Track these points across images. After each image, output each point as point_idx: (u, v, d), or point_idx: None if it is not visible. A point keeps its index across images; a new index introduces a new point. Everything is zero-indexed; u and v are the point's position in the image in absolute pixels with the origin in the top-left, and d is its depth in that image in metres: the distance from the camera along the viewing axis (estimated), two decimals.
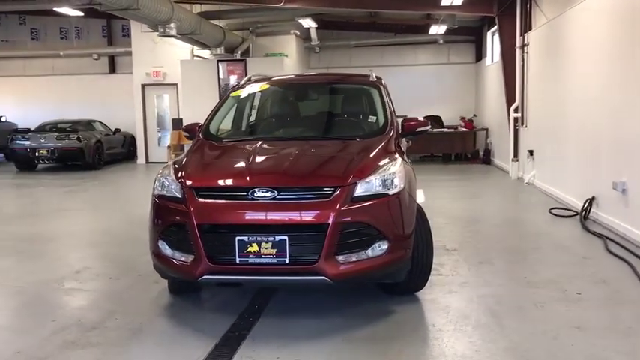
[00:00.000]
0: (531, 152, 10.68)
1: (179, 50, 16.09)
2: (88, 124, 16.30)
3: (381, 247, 3.92)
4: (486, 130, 15.88)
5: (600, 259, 5.58)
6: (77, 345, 3.74)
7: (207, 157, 4.45)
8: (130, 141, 17.67)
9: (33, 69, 19.65)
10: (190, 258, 3.90)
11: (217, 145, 4.77)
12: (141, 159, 17.29)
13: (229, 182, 3.99)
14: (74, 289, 4.97)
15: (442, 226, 7.23)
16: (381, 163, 4.15)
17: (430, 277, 4.66)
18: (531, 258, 5.71)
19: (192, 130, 5.12)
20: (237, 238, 3.78)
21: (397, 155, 4.44)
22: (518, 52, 11.32)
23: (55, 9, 13.72)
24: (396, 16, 17.15)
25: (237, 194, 3.90)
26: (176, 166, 4.30)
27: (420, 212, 4.42)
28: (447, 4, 11.57)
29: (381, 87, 5.43)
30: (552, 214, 7.74)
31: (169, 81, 16.77)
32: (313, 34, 16.65)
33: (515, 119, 11.65)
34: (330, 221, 3.73)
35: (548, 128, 9.70)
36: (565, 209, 7.87)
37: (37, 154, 14.86)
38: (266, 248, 3.77)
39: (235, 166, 4.24)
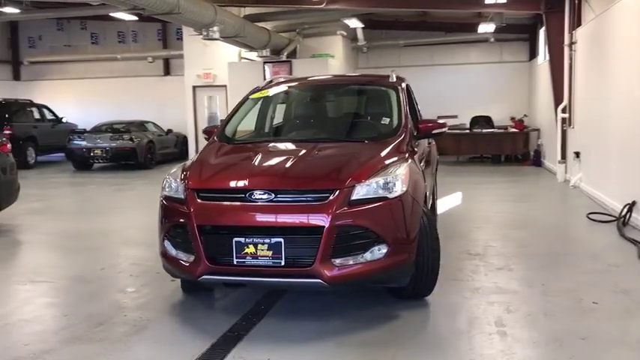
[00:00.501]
0: (577, 154, 10.28)
1: (229, 52, 16.38)
2: (141, 125, 16.82)
3: (380, 251, 3.88)
4: (537, 130, 15.40)
5: (629, 267, 5.33)
6: (82, 340, 3.89)
7: (213, 159, 4.52)
8: (182, 141, 18.11)
9: (93, 72, 20.47)
10: (191, 258, 3.99)
11: (227, 147, 4.84)
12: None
13: (228, 184, 4.05)
14: (94, 285, 5.15)
15: (472, 230, 7.10)
16: (384, 166, 4.11)
17: (445, 282, 4.62)
18: (556, 265, 5.50)
19: (210, 133, 5.24)
20: (234, 239, 3.83)
21: (406, 158, 4.38)
22: (566, 50, 10.93)
23: (110, 14, 14.30)
24: (445, 15, 16.89)
25: (235, 196, 3.95)
26: (184, 167, 4.40)
27: (427, 216, 4.34)
28: (492, 2, 11.31)
29: (400, 88, 5.36)
30: (590, 219, 7.43)
31: (219, 83, 17.08)
32: (360, 34, 16.61)
33: (563, 119, 11.25)
34: (326, 224, 3.73)
35: (593, 129, 9.32)
36: (604, 214, 7.53)
37: (92, 153, 15.47)
38: (262, 250, 3.80)
39: (237, 167, 4.30)
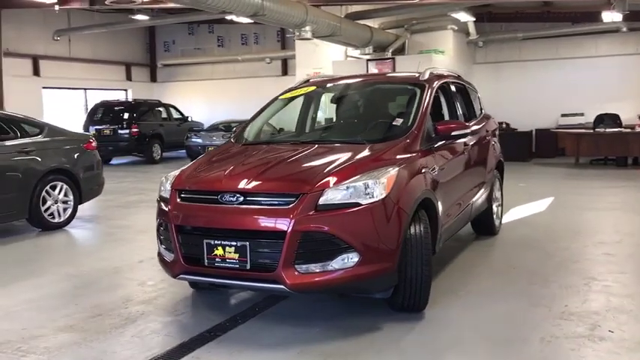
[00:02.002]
0: None
1: (337, 52, 16.45)
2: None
3: (351, 260, 3.70)
4: None
5: None
6: (72, 329, 4.13)
7: (208, 159, 4.57)
8: None
9: (218, 73, 21.67)
10: (172, 257, 4.08)
11: (233, 148, 4.87)
12: None
13: (204, 185, 4.07)
14: (122, 276, 5.45)
15: (525, 240, 6.49)
16: (366, 170, 3.89)
17: (452, 295, 4.43)
18: (591, 285, 4.82)
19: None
20: (205, 240, 3.86)
21: (401, 161, 4.11)
22: None
23: (226, 17, 14.99)
24: (572, 4, 15.61)
25: (209, 197, 3.96)
26: (182, 167, 4.51)
27: (420, 224, 4.04)
28: None
29: (427, 87, 5.04)
30: None
31: None
32: (471, 28, 15.87)
33: None
34: (288, 229, 3.62)
35: None
36: None
37: (206, 150, 16.38)
38: (230, 252, 3.79)
39: (217, 169, 4.29)
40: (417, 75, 5.35)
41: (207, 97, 21.69)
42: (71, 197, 7.78)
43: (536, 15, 16.61)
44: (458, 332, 3.90)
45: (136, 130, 17.20)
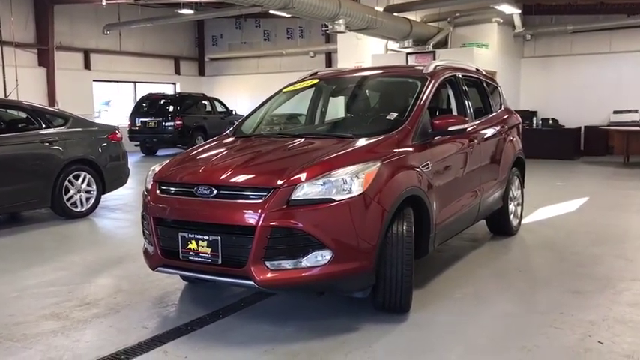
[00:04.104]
0: None
1: (379, 46, 16.23)
2: (293, 117, 17.47)
3: (323, 257, 3.59)
4: None
5: None
6: (56, 316, 4.19)
7: (196, 152, 4.53)
8: None
9: (264, 67, 21.81)
10: (152, 249, 4.08)
11: (225, 141, 4.82)
12: None
13: (181, 178, 4.03)
14: (122, 267, 5.52)
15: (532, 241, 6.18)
16: (343, 165, 3.76)
17: (446, 298, 4.33)
18: (597, 292, 4.52)
19: None
20: (180, 234, 3.83)
21: (385, 157, 3.96)
22: None
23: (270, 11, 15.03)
24: None
25: (186, 190, 3.92)
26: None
27: (403, 222, 3.88)
28: None
29: (428, 80, 4.85)
30: None
31: None
32: (517, 20, 15.34)
33: None
34: (257, 224, 3.55)
35: None
36: None
37: None
38: (202, 247, 3.75)
39: (197, 162, 4.24)
40: (421, 68, 5.16)
41: (252, 91, 21.80)
42: (94, 187, 7.96)
43: (589, 7, 15.88)
44: (436, 337, 3.73)
45: (179, 122, 17.50)
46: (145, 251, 4.25)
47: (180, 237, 3.82)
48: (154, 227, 3.98)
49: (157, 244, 3.97)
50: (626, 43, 15.98)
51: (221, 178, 3.80)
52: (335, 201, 3.60)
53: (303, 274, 3.59)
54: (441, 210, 4.53)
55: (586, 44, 16.44)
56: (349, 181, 3.66)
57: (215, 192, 3.76)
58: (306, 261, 3.58)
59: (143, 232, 4.29)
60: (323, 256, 3.58)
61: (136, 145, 18.22)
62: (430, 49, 14.87)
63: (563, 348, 3.48)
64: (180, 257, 3.84)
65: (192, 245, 3.77)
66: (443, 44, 15.40)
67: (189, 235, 3.78)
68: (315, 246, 3.57)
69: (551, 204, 8.29)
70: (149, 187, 4.19)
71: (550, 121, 15.84)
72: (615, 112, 15.87)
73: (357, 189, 3.66)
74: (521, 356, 3.40)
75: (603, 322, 3.85)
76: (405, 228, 3.88)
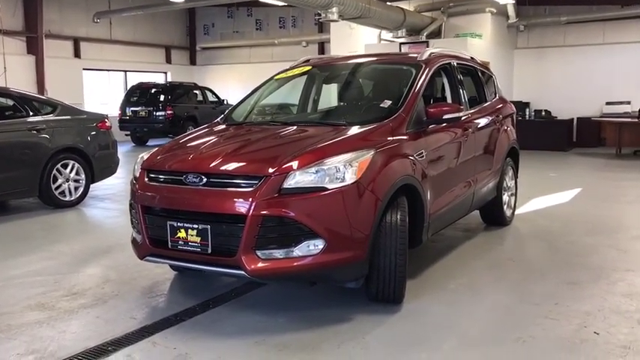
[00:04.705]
0: None
1: (372, 35, 16.11)
2: (286, 107, 17.35)
3: (315, 247, 3.51)
4: None
5: None
6: (42, 307, 4.09)
7: (186, 139, 4.43)
8: None
9: (256, 57, 21.63)
10: (140, 238, 3.99)
11: (216, 128, 4.73)
12: None
13: (170, 165, 3.93)
14: (110, 257, 5.41)
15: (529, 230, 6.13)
16: (336, 153, 3.68)
17: (440, 289, 4.28)
18: (592, 282, 4.48)
19: None
20: (168, 222, 3.74)
21: (379, 145, 3.88)
22: None
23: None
24: None
25: (174, 178, 3.83)
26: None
27: (397, 211, 3.81)
28: None
29: (423, 68, 4.76)
30: None
31: None
32: (510, 10, 15.26)
33: None
34: (248, 213, 3.46)
35: None
36: None
37: None
38: (192, 236, 3.66)
39: (187, 149, 4.15)
40: (415, 55, 5.07)
41: (244, 81, 21.58)
42: (83, 176, 7.84)
43: None
44: (430, 329, 3.67)
45: (170, 112, 17.36)
46: (133, 240, 4.16)
47: (168, 226, 3.73)
48: (142, 216, 3.89)
49: (145, 233, 3.88)
50: (619, 34, 15.95)
51: (211, 165, 3.71)
52: (328, 189, 3.52)
53: (295, 264, 3.51)
54: (435, 199, 4.46)
55: (579, 35, 16.40)
56: (342, 170, 3.58)
57: (205, 180, 3.67)
58: (298, 250, 3.50)
59: (131, 220, 4.20)
60: (315, 246, 3.51)
61: (126, 135, 18.05)
62: (423, 39, 14.78)
63: (559, 339, 3.43)
64: (169, 247, 3.76)
65: (182, 234, 3.68)
66: (436, 34, 15.30)
67: (178, 224, 3.69)
68: (308, 235, 3.49)
69: (545, 195, 8.25)
70: (137, 174, 4.09)
71: (543, 113, 15.82)
72: (608, 103, 15.86)
73: (350, 177, 3.58)
74: (516, 348, 3.35)
75: (599, 313, 3.80)
76: (398, 217, 3.81)
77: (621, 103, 15.75)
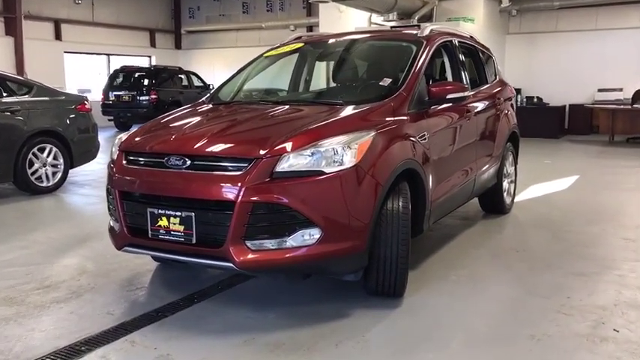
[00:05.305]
0: None
1: (362, 19, 15.73)
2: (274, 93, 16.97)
3: (311, 237, 3.20)
4: None
5: None
6: (11, 301, 3.75)
7: (167, 119, 4.08)
8: None
9: (243, 41, 21.13)
10: (118, 227, 3.65)
11: (201, 108, 4.38)
12: None
13: (150, 146, 3.57)
14: (89, 246, 5.07)
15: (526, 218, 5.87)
16: (335, 134, 3.35)
17: (441, 280, 4.02)
18: (602, 274, 4.21)
19: None
20: (148, 209, 3.40)
21: (381, 125, 3.56)
22: None
23: None
24: None
25: (155, 160, 3.48)
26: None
27: (399, 198, 3.51)
28: None
29: (424, 44, 4.44)
30: None
31: None
32: None
33: None
34: (237, 199, 3.13)
35: None
36: None
37: None
38: (174, 224, 3.32)
39: (172, 129, 3.79)
40: (415, 32, 4.75)
41: (231, 65, 21.05)
42: (61, 161, 7.46)
43: None
44: (434, 325, 3.38)
45: (154, 96, 16.92)
46: (111, 229, 3.81)
47: (149, 213, 3.39)
48: (119, 202, 3.55)
49: (123, 221, 3.54)
50: (612, 19, 15.68)
51: (195, 146, 3.37)
52: (325, 173, 3.20)
53: (288, 255, 3.19)
54: (436, 185, 4.17)
55: (572, 21, 16.13)
56: (340, 152, 3.26)
57: (188, 162, 3.33)
58: (292, 240, 3.18)
59: (108, 207, 3.85)
60: (311, 235, 3.19)
61: (109, 120, 17.57)
62: (415, 22, 14.40)
63: (576, 337, 3.15)
64: (150, 236, 3.42)
65: (163, 222, 3.35)
66: (428, 18, 14.93)
67: (160, 211, 3.35)
68: (302, 224, 3.17)
69: (542, 182, 8.00)
70: (115, 157, 3.73)
71: (535, 99, 15.57)
72: (600, 90, 15.65)
73: (349, 160, 3.26)
74: (531, 346, 3.07)
75: (615, 308, 3.53)
76: (400, 204, 3.51)
77: (613, 90, 15.53)
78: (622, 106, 13.74)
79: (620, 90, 15.38)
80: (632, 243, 5.01)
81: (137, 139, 3.71)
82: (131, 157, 3.60)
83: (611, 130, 13.42)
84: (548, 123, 14.72)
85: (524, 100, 15.64)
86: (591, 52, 15.82)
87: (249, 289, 3.99)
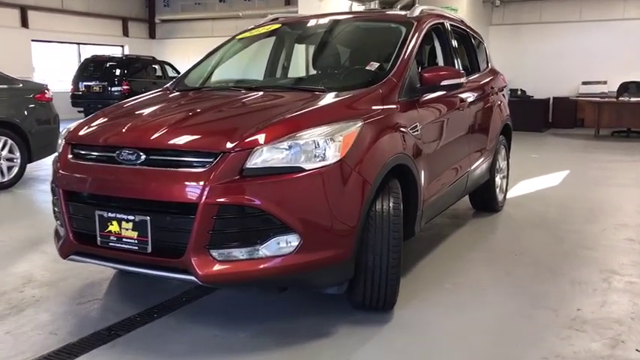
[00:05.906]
0: None
1: (344, 8, 15.24)
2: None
3: (288, 244, 2.72)
4: None
5: None
6: None
7: (123, 107, 3.56)
8: None
9: (219, 30, 20.52)
10: (63, 231, 3.13)
11: (163, 94, 3.87)
12: None
13: (100, 138, 3.06)
14: (39, 250, 4.53)
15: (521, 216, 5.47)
16: (315, 125, 2.87)
17: (434, 290, 3.56)
18: (612, 281, 3.84)
19: None
20: (97, 212, 2.89)
21: (367, 115, 3.10)
22: None
23: None
24: None
25: (104, 155, 2.98)
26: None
27: (389, 197, 3.05)
28: None
29: (414, 26, 3.98)
30: None
31: None
32: None
33: None
34: (200, 200, 2.64)
35: None
36: None
37: None
38: (127, 230, 2.82)
39: (127, 118, 3.26)
40: (404, 13, 4.29)
41: None
42: (18, 154, 6.87)
43: None
44: (431, 344, 2.93)
45: (127, 87, 16.23)
46: (56, 234, 3.29)
47: (97, 217, 2.88)
48: (64, 203, 3.04)
49: (69, 225, 3.03)
50: (596, 11, 15.46)
51: (152, 138, 2.86)
52: (304, 170, 2.73)
53: (261, 267, 2.71)
54: (429, 183, 3.72)
55: (556, 12, 15.86)
56: (322, 145, 2.79)
57: (144, 157, 2.82)
58: (265, 249, 2.70)
59: (53, 209, 3.32)
60: (287, 243, 2.72)
61: (79, 112, 16.84)
62: (397, 11, 13.96)
63: (594, 359, 2.73)
64: (99, 243, 2.91)
65: (114, 228, 2.84)
66: (410, 7, 14.51)
67: (110, 215, 2.85)
68: (278, 230, 2.69)
69: (532, 177, 7.64)
70: (60, 149, 3.21)
71: (518, 92, 15.26)
72: (584, 82, 15.41)
73: (332, 155, 2.79)
74: None
75: (633, 322, 3.12)
76: (391, 205, 3.05)
77: (598, 82, 15.31)
78: (607, 99, 13.47)
79: (605, 83, 15.16)
80: (637, 245, 4.63)
81: (85, 128, 3.19)
82: (77, 151, 3.09)
83: (597, 123, 13.13)
84: (532, 116, 14.40)
85: (508, 92, 15.28)
86: (575, 44, 15.57)
87: (218, 301, 3.50)
